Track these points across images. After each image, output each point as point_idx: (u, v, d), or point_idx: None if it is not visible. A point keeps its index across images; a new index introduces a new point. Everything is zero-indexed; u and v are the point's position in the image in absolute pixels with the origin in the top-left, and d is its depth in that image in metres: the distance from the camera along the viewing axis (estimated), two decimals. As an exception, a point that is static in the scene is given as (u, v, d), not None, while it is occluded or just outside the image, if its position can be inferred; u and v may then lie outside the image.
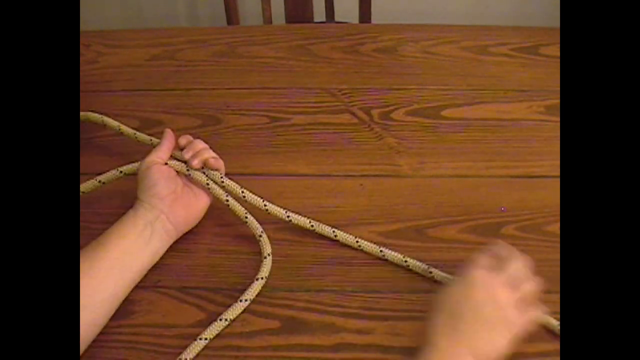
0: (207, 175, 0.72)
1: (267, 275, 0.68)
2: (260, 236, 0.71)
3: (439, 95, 0.91)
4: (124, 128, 0.80)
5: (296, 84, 0.94)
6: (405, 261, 0.69)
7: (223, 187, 0.72)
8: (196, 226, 0.74)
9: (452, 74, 0.94)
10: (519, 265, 0.60)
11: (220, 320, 0.64)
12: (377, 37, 1.02)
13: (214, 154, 0.73)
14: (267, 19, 1.36)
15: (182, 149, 0.73)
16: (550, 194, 0.77)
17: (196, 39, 1.02)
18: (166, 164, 0.72)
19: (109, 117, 0.83)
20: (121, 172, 0.75)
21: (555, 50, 0.98)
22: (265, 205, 0.72)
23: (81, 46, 1.00)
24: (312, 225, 0.72)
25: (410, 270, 0.69)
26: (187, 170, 0.72)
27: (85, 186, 0.74)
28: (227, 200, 0.72)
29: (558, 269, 0.65)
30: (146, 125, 0.86)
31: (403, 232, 0.74)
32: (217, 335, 0.64)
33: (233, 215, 0.73)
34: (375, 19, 1.35)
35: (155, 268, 0.69)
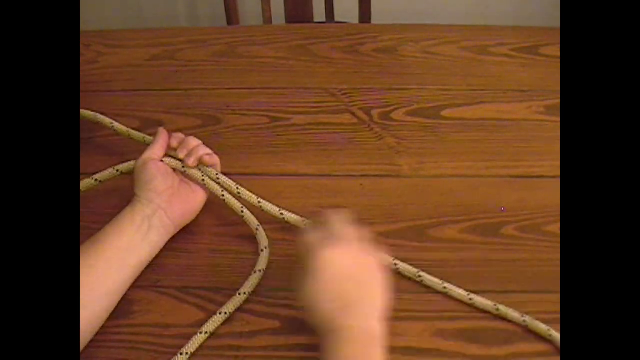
0: (202, 172, 0.73)
1: (264, 267, 0.69)
2: (257, 229, 0.71)
3: (439, 95, 0.91)
4: (117, 126, 0.81)
5: (296, 84, 0.94)
6: (420, 276, 0.68)
7: (218, 183, 0.73)
8: (196, 226, 0.74)
9: (452, 74, 0.94)
10: (340, 224, 0.60)
11: (220, 314, 0.65)
12: (377, 37, 1.02)
13: (208, 150, 0.73)
14: (267, 19, 1.36)
15: (175, 149, 0.73)
16: (550, 194, 0.77)
17: (196, 39, 1.02)
18: (161, 161, 0.72)
19: (109, 117, 0.83)
20: (117, 170, 0.75)
21: (555, 50, 0.98)
22: (259, 202, 0.72)
23: (81, 46, 1.00)
24: (304, 223, 0.72)
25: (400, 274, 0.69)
26: (183, 167, 0.72)
27: (81, 185, 0.74)
28: (223, 196, 0.72)
29: (558, 269, 0.65)
30: (146, 125, 0.86)
31: (403, 232, 0.74)
32: (217, 332, 0.64)
33: (230, 211, 0.73)
34: (375, 19, 1.35)
35: (155, 268, 0.70)
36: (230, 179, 0.73)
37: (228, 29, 1.21)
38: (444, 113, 0.88)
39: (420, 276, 0.68)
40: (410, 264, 0.69)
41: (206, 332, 0.63)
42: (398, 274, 0.69)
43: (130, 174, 0.73)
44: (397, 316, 0.65)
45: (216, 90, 0.93)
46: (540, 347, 0.63)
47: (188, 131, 0.77)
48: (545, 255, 0.71)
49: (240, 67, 0.97)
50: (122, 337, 0.64)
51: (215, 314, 0.65)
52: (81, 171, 0.74)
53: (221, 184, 0.72)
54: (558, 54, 0.97)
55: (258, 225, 0.72)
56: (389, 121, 0.87)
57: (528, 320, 0.64)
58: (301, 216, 0.72)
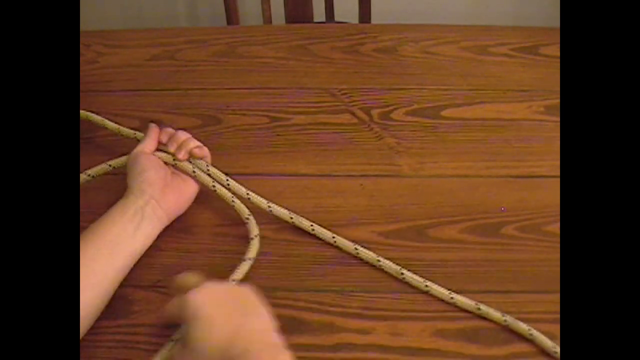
0: (193, 164, 0.74)
1: (254, 256, 0.69)
2: (247, 219, 0.72)
3: (439, 95, 0.91)
4: (107, 123, 0.82)
5: (296, 84, 0.94)
6: (402, 273, 0.68)
7: (209, 175, 0.74)
8: (196, 226, 0.74)
9: (452, 74, 0.94)
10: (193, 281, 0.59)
11: None
12: (377, 37, 1.02)
13: (197, 143, 0.75)
14: (267, 19, 1.36)
15: (165, 144, 0.75)
16: (550, 194, 0.77)
17: (196, 39, 1.02)
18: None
19: (109, 117, 0.83)
20: (110, 165, 0.76)
21: (555, 50, 0.98)
22: (248, 194, 0.73)
23: (81, 46, 1.00)
24: (291, 218, 0.73)
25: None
26: (174, 160, 0.74)
27: None
28: (214, 186, 0.74)
29: (558, 269, 0.65)
30: (146, 125, 0.86)
31: (403, 232, 0.74)
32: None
33: (231, 210, 0.73)
34: (375, 19, 1.35)
35: (155, 268, 0.70)
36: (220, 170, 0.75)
37: (228, 29, 1.21)
38: (444, 113, 0.88)
39: (402, 274, 0.68)
40: (411, 264, 0.69)
41: None
42: (381, 271, 0.69)
43: (123, 168, 0.74)
44: (397, 316, 0.66)
45: (216, 90, 0.93)
46: (541, 347, 0.63)
47: (188, 131, 0.78)
48: (545, 255, 0.71)
49: (240, 67, 0.97)
50: (122, 337, 0.64)
51: None
52: (81, 170, 0.74)
53: (212, 175, 0.74)
54: (558, 54, 0.97)
55: (249, 214, 0.72)
56: (388, 121, 0.87)
57: (509, 319, 0.64)
58: (289, 211, 0.73)
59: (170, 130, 0.76)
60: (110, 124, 0.82)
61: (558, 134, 0.84)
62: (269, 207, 0.73)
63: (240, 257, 0.71)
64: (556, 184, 0.78)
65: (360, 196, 0.78)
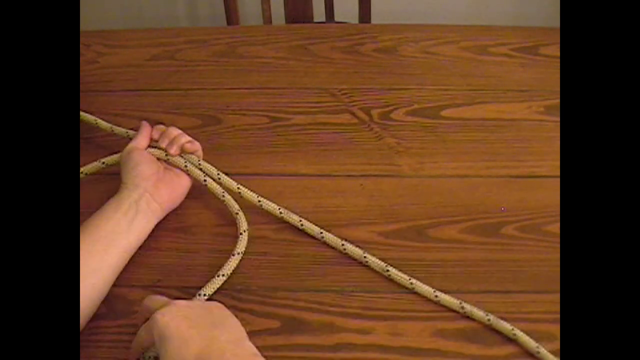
0: (185, 159, 0.75)
1: (242, 250, 0.70)
2: (237, 214, 0.73)
3: (439, 95, 0.91)
4: (100, 122, 0.82)
5: (296, 84, 0.94)
6: (387, 270, 0.68)
7: (200, 169, 0.75)
8: (196, 226, 0.74)
9: (452, 74, 0.94)
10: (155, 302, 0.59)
11: (200, 295, 0.66)
12: (377, 37, 1.02)
13: (189, 138, 0.76)
14: (267, 19, 1.36)
15: (157, 141, 0.76)
16: (550, 194, 0.77)
17: (196, 39, 1.02)
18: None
19: (109, 117, 0.83)
20: (103, 162, 0.77)
21: (555, 50, 0.98)
22: (238, 188, 0.74)
23: (81, 46, 1.00)
24: (281, 213, 0.73)
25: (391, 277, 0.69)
26: (166, 155, 0.75)
27: None
28: (205, 181, 0.74)
29: (558, 269, 0.65)
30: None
31: (403, 232, 0.74)
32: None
33: (213, 196, 0.75)
34: (375, 19, 1.35)
35: (155, 268, 0.70)
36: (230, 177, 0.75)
37: (228, 29, 1.21)
38: (444, 113, 0.88)
39: (388, 271, 0.68)
40: (411, 264, 0.69)
41: None
42: (367, 267, 0.69)
43: (116, 165, 0.75)
44: (397, 316, 0.66)
45: (216, 90, 0.93)
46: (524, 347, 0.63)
47: (188, 131, 0.78)
48: (545, 255, 0.71)
49: (240, 67, 0.97)
50: (122, 337, 0.64)
51: (194, 295, 0.66)
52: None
53: (203, 169, 0.75)
54: (558, 54, 0.97)
55: (238, 209, 0.73)
56: (388, 121, 0.87)
57: (492, 319, 0.64)
58: (278, 206, 0.73)
59: (161, 127, 0.77)
60: (103, 124, 0.82)
61: (558, 134, 0.84)
62: (259, 201, 0.74)
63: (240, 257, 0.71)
64: (556, 184, 0.78)
65: (360, 196, 0.78)
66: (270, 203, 0.74)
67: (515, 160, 0.82)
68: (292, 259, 0.71)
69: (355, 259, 0.70)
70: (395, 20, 1.12)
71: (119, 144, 0.82)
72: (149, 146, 0.75)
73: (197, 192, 0.76)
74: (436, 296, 0.66)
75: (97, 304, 0.64)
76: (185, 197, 0.75)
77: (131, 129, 0.80)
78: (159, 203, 0.71)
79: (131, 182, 0.70)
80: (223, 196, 0.74)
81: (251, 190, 0.74)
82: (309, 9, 1.32)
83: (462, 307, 0.65)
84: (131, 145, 0.74)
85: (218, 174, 0.75)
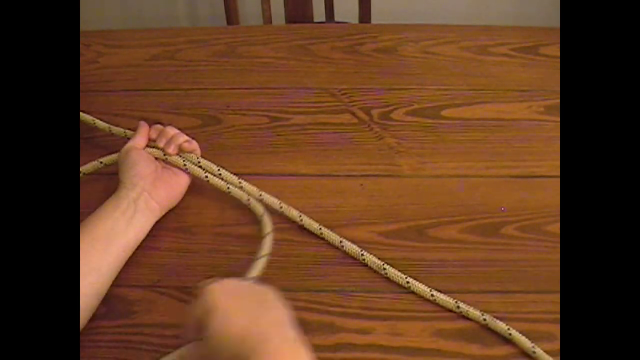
0: (183, 158, 0.75)
1: (267, 253, 0.68)
2: (248, 200, 0.73)
3: (439, 95, 0.91)
4: (98, 122, 0.82)
5: (296, 84, 0.94)
6: (384, 269, 0.68)
7: (200, 167, 0.75)
8: (196, 226, 0.74)
9: (452, 74, 0.94)
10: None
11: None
12: (377, 37, 1.02)
13: (186, 137, 0.76)
14: (267, 19, 1.36)
15: (154, 141, 0.76)
16: (550, 194, 0.77)
17: (196, 39, 1.02)
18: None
19: (109, 117, 0.83)
20: (101, 162, 0.77)
21: (555, 50, 0.98)
22: (240, 182, 0.75)
23: (81, 46, 1.00)
24: (280, 206, 0.74)
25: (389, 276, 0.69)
26: (164, 154, 0.75)
27: None
28: (207, 177, 0.75)
29: (558, 269, 0.65)
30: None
31: (403, 232, 0.74)
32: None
33: (230, 211, 0.74)
34: (375, 19, 1.35)
35: (155, 268, 0.70)
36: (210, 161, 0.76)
37: (228, 29, 1.21)
38: (444, 113, 0.88)
39: (385, 269, 0.68)
40: (411, 264, 0.69)
41: None
42: (366, 268, 0.69)
43: (114, 164, 0.75)
44: (397, 316, 0.66)
45: (216, 90, 0.93)
46: (541, 347, 0.63)
47: (188, 131, 0.78)
48: (545, 255, 0.71)
49: (240, 67, 0.97)
50: (122, 337, 0.65)
51: None
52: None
53: (203, 167, 0.75)
54: (558, 54, 0.97)
55: (248, 199, 0.73)
56: (388, 121, 0.87)
57: (488, 319, 0.64)
58: (277, 200, 0.74)
59: (159, 126, 0.77)
60: (101, 124, 0.82)
61: (558, 134, 0.84)
62: (260, 195, 0.74)
63: (240, 256, 0.71)
64: (556, 184, 0.78)
65: (361, 196, 0.78)
66: (270, 197, 0.74)
67: (515, 160, 0.82)
68: (292, 259, 0.71)
69: (353, 258, 0.70)
70: (395, 20, 1.12)
71: (117, 144, 0.82)
72: (147, 146, 0.76)
73: (197, 191, 0.76)
74: (432, 295, 0.66)
75: (97, 303, 0.64)
76: (185, 197, 0.75)
77: (130, 129, 0.80)
78: (158, 202, 0.71)
79: (129, 181, 0.71)
80: (228, 189, 0.74)
81: (251, 184, 0.75)
82: (309, 9, 1.32)
83: (458, 307, 0.65)
84: (129, 144, 0.74)
85: (218, 170, 0.75)
